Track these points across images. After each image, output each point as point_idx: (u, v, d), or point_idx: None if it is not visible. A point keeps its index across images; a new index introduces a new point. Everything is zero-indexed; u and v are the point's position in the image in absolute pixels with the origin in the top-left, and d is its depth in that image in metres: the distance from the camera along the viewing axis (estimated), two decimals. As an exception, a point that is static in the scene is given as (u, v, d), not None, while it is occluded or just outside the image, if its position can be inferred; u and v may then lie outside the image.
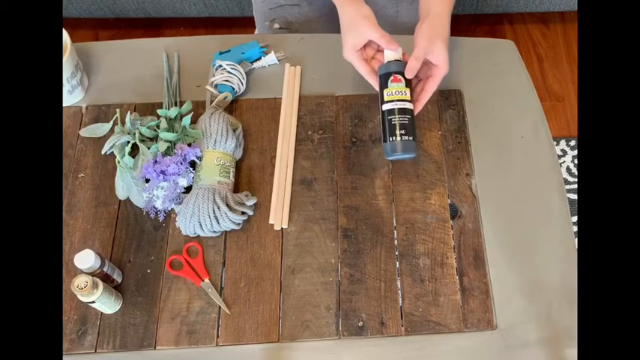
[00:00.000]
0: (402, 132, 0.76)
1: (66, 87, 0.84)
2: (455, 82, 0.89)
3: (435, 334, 0.72)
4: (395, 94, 0.77)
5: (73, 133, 0.85)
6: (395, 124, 0.76)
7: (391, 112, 0.77)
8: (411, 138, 0.76)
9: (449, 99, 0.88)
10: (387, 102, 0.77)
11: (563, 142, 1.60)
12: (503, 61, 0.92)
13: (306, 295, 0.75)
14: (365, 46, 0.81)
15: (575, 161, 1.58)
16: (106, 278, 0.72)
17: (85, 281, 0.67)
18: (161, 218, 0.78)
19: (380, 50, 0.81)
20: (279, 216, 0.79)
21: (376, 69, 0.80)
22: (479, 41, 0.94)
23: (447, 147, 0.84)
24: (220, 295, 0.75)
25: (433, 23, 0.78)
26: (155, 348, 0.72)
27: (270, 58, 0.90)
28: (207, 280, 0.75)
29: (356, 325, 0.73)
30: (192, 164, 0.79)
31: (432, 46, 0.77)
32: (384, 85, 0.78)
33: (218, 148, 0.78)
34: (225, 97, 0.85)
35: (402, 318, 0.73)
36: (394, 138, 0.76)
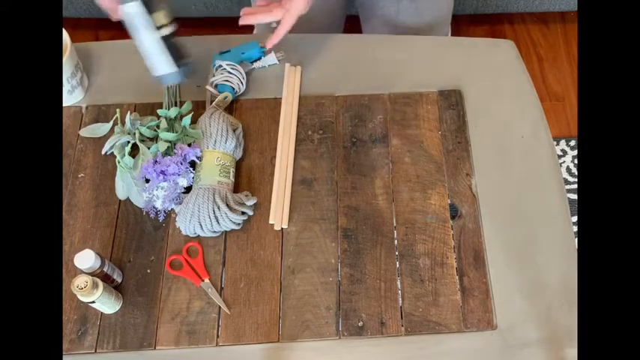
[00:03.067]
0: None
1: (66, 87, 0.84)
2: (455, 82, 0.89)
3: (435, 334, 0.72)
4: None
5: (73, 133, 0.85)
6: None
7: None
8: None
9: (449, 99, 0.88)
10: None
11: (563, 142, 1.60)
12: (503, 61, 0.92)
13: (306, 295, 0.75)
14: None
15: (575, 161, 1.58)
16: (106, 278, 0.72)
17: (85, 281, 0.67)
18: (161, 218, 0.78)
19: None
20: (279, 216, 0.79)
21: None
22: (479, 41, 0.94)
23: (447, 147, 0.84)
24: (220, 295, 0.75)
25: None
26: (155, 348, 0.72)
27: (270, 58, 0.90)
28: (207, 280, 0.75)
29: (356, 325, 0.73)
30: (192, 164, 0.79)
31: None
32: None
33: (218, 148, 0.78)
34: (225, 97, 0.85)
35: (402, 318, 0.73)
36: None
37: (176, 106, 0.86)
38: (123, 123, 0.83)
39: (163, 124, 0.81)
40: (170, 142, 0.79)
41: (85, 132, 0.85)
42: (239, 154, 0.82)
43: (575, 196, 1.53)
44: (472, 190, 0.81)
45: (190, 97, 0.87)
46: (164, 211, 0.77)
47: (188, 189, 0.78)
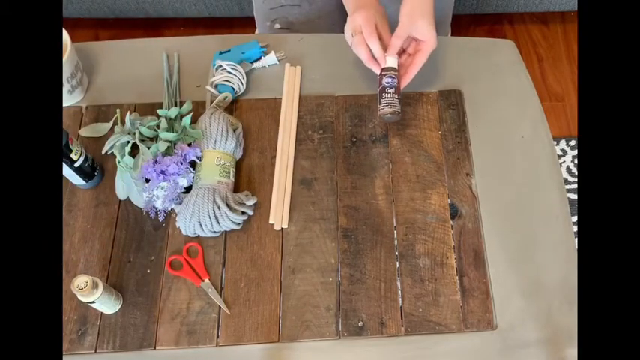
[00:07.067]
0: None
1: (66, 87, 0.84)
2: (455, 82, 0.89)
3: (435, 334, 0.72)
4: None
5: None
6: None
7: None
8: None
9: (449, 99, 0.88)
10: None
11: (563, 142, 1.60)
12: (503, 61, 0.92)
13: (306, 295, 0.75)
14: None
15: (575, 161, 1.58)
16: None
17: (85, 281, 0.67)
18: (161, 218, 0.78)
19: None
20: (279, 216, 0.79)
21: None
22: (479, 41, 0.94)
23: (447, 147, 0.84)
24: (220, 295, 0.75)
25: (415, 0, 0.80)
26: (155, 348, 0.72)
27: (270, 58, 0.90)
28: (207, 280, 0.75)
29: (356, 325, 0.73)
30: (192, 164, 0.79)
31: (414, 24, 0.79)
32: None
33: (218, 148, 0.78)
34: (225, 97, 0.85)
35: (402, 318, 0.73)
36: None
37: (176, 106, 0.86)
38: (123, 123, 0.83)
39: (163, 124, 0.81)
40: (170, 142, 0.79)
41: (85, 132, 0.85)
42: (239, 154, 0.82)
43: (575, 196, 1.53)
44: (472, 190, 0.81)
45: (190, 97, 0.87)
46: (164, 211, 0.77)
47: (188, 189, 0.78)
